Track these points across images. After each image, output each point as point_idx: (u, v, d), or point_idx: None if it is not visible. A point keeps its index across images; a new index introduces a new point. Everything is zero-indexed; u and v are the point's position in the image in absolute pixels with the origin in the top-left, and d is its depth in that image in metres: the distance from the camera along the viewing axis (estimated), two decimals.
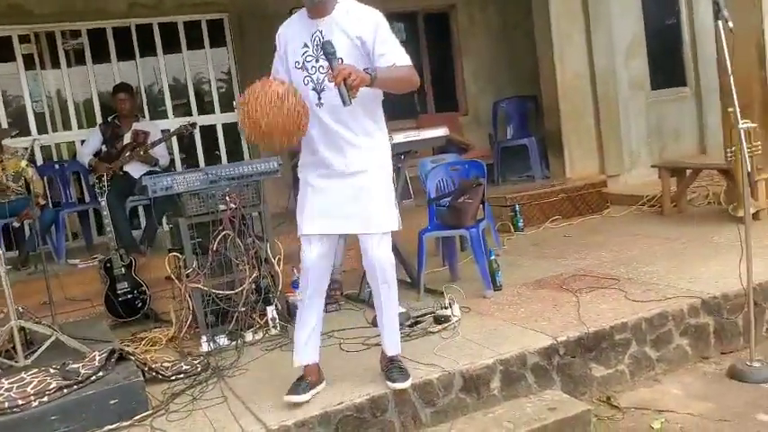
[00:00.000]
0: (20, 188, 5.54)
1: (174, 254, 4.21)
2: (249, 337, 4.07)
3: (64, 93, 7.15)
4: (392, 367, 3.17)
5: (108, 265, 4.85)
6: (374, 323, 3.93)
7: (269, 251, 4.20)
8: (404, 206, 6.37)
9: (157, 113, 7.41)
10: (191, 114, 7.42)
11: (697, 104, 8.19)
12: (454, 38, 8.82)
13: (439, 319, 3.86)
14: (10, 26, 6.70)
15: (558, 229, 6.37)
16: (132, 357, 3.44)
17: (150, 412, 3.15)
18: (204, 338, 4.01)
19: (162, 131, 6.23)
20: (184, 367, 3.67)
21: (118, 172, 5.95)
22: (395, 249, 4.68)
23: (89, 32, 7.05)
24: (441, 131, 4.63)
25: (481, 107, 8.64)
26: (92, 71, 7.14)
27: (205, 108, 7.56)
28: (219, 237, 4.07)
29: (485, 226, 4.73)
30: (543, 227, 6.46)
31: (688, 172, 6.17)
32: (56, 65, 7.06)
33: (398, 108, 7.97)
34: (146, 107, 7.32)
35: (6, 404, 2.97)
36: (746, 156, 3.41)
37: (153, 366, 3.57)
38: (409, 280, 4.74)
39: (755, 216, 5.13)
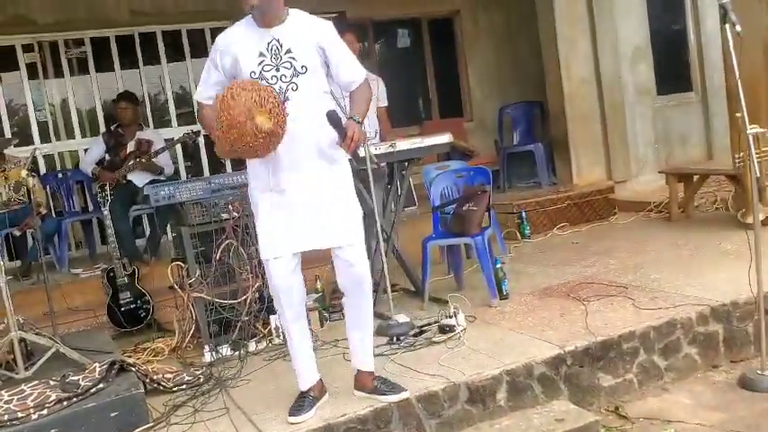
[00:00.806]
0: (21, 197, 5.53)
1: (177, 263, 4.18)
2: (252, 346, 4.05)
3: (67, 102, 7.14)
4: (382, 383, 3.12)
5: (111, 274, 4.84)
6: (378, 332, 3.91)
7: None
8: (408, 214, 6.36)
9: (161, 122, 7.40)
10: (195, 123, 7.39)
11: (704, 109, 8.13)
12: (458, 43, 8.79)
13: (444, 329, 3.81)
14: (13, 35, 6.69)
15: (565, 235, 6.32)
16: (133, 369, 3.41)
17: (151, 425, 3.11)
18: (207, 348, 3.98)
19: (166, 140, 6.20)
20: (186, 378, 3.64)
21: (121, 181, 5.92)
22: (399, 258, 4.68)
23: (92, 41, 7.05)
24: (444, 138, 4.58)
25: (486, 113, 8.60)
26: (95, 80, 7.13)
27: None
28: (222, 246, 4.04)
29: (490, 233, 4.68)
30: (550, 234, 6.42)
31: (695, 177, 6.11)
32: (59, 74, 7.06)
33: (403, 115, 7.96)
34: (150, 116, 7.30)
35: (6, 417, 2.94)
36: (755, 161, 3.36)
37: (154, 378, 3.53)
38: (413, 289, 4.71)
39: (764, 222, 5.03)
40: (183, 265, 4.12)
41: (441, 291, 4.63)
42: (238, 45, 2.92)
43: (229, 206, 4.06)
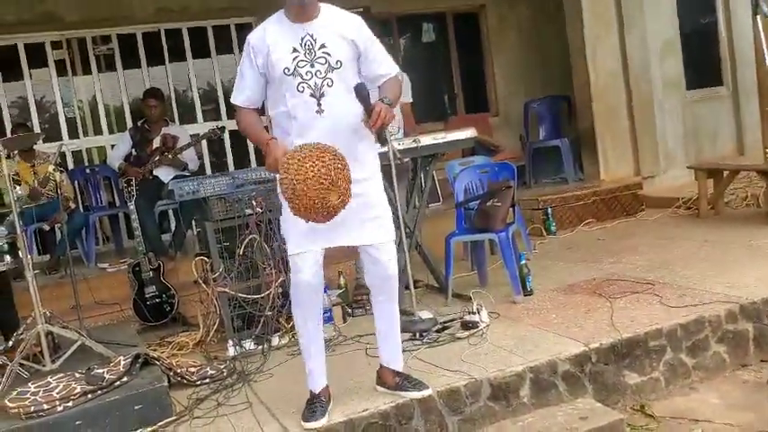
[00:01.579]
0: (50, 192, 5.60)
1: (202, 258, 4.21)
2: (275, 341, 4.06)
3: (95, 98, 7.22)
4: (405, 380, 3.10)
5: (137, 268, 4.88)
6: (401, 329, 3.89)
7: None
8: (432, 210, 6.33)
9: (187, 118, 7.45)
10: (220, 119, 7.45)
11: (734, 104, 8.00)
12: (484, 38, 8.73)
13: (467, 325, 3.79)
14: (43, 33, 6.80)
15: (591, 232, 6.26)
16: (157, 362, 3.43)
17: (174, 418, 3.13)
18: (230, 342, 4.00)
19: (191, 136, 6.24)
20: (210, 372, 3.66)
21: (147, 176, 5.97)
22: (423, 253, 4.66)
23: (119, 38, 7.12)
24: (468, 133, 4.54)
25: (512, 108, 8.53)
26: (122, 76, 7.21)
27: (235, 112, 7.58)
28: (246, 241, 4.06)
29: (515, 229, 4.64)
30: (576, 230, 6.36)
31: (725, 173, 6.00)
32: (87, 71, 7.15)
33: (427, 110, 7.93)
34: (175, 112, 7.36)
35: (33, 408, 2.98)
36: None
37: (178, 371, 3.56)
38: (437, 285, 4.68)
39: None
40: (207, 259, 4.15)
41: (464, 287, 4.60)
42: (271, 42, 2.85)
43: (253, 201, 4.07)
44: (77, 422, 2.97)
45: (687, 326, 3.57)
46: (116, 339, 3.93)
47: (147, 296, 4.84)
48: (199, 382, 3.55)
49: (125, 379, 3.20)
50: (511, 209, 4.57)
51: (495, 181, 4.76)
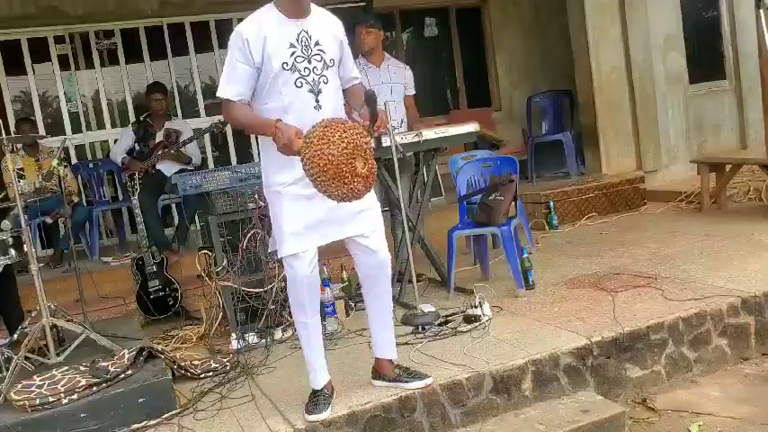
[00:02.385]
0: (54, 186, 5.62)
1: (205, 252, 4.22)
2: (278, 334, 4.07)
3: (98, 93, 7.23)
4: (404, 371, 3.12)
5: (140, 263, 4.91)
6: (404, 322, 3.91)
7: None
8: (434, 204, 6.34)
9: (190, 112, 7.45)
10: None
11: (737, 98, 7.97)
12: (486, 33, 8.72)
13: (469, 319, 3.80)
14: (45, 27, 6.79)
15: (593, 226, 6.26)
16: (161, 356, 3.45)
17: (178, 410, 3.15)
18: (234, 336, 4.02)
19: (194, 130, 6.25)
20: (213, 365, 3.67)
21: (150, 170, 5.98)
22: (425, 247, 4.68)
23: (122, 33, 7.12)
24: (471, 127, 4.55)
25: (515, 102, 8.54)
26: (125, 71, 7.22)
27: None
28: (249, 235, 4.07)
29: (517, 223, 4.65)
30: (578, 224, 6.36)
31: (728, 167, 6.00)
32: (90, 65, 7.16)
33: (430, 104, 7.94)
34: (178, 106, 7.36)
35: (38, 401, 3.00)
36: None
37: (182, 364, 3.57)
38: (439, 279, 4.70)
39: None
40: (210, 253, 4.16)
41: (466, 281, 4.61)
42: (267, 35, 2.80)
43: (256, 195, 4.08)
44: (82, 415, 2.99)
45: (689, 319, 3.58)
46: (120, 333, 3.94)
47: (150, 290, 4.86)
48: (202, 376, 3.57)
49: (129, 372, 3.22)
50: (513, 203, 4.58)
51: (497, 175, 4.76)
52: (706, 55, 7.93)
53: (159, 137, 6.14)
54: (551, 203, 6.33)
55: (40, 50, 6.85)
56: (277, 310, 4.10)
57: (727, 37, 8.00)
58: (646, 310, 3.69)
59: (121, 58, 7.17)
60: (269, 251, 3.49)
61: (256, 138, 3.37)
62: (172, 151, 6.01)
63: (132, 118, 7.01)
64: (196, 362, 3.73)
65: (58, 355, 3.50)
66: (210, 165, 7.32)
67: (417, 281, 4.17)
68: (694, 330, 3.59)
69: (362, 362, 3.41)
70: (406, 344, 3.57)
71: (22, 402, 2.99)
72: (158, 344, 4.05)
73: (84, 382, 3.11)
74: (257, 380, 3.48)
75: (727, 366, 3.64)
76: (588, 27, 6.94)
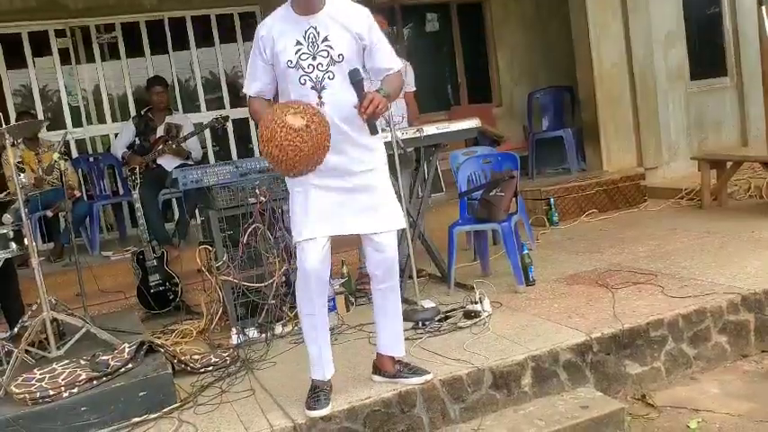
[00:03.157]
0: (54, 180, 5.61)
1: (205, 246, 4.22)
2: (279, 329, 4.07)
3: (98, 86, 7.22)
4: (405, 367, 3.13)
5: (140, 257, 4.91)
6: (404, 317, 3.90)
7: None
8: (435, 200, 6.34)
9: (191, 107, 7.45)
10: (224, 108, 7.45)
11: (739, 95, 7.97)
12: (488, 28, 8.70)
13: (469, 315, 3.81)
14: (46, 21, 6.78)
15: (593, 222, 6.26)
16: (161, 350, 3.45)
17: (178, 405, 3.16)
18: (234, 331, 4.02)
19: (194, 125, 6.25)
20: (213, 360, 3.68)
21: (151, 165, 5.98)
22: (426, 243, 4.68)
23: (123, 26, 7.11)
24: (472, 123, 4.55)
25: (516, 98, 8.53)
26: (126, 65, 7.21)
27: (238, 101, 7.58)
28: (250, 229, 4.07)
29: (517, 219, 4.65)
30: (579, 221, 6.36)
31: (729, 164, 6.00)
32: (90, 59, 7.15)
33: (431, 100, 7.93)
34: (179, 101, 7.36)
35: (38, 394, 3.00)
36: None
37: (182, 359, 3.58)
38: (439, 274, 4.70)
39: None
40: (210, 248, 4.16)
41: (467, 277, 4.61)
42: (277, 34, 2.88)
43: (257, 190, 4.08)
44: (83, 408, 3.00)
45: (688, 316, 3.59)
46: (120, 327, 3.94)
47: (150, 284, 4.86)
48: (202, 370, 3.58)
49: (130, 366, 3.22)
50: (513, 199, 4.58)
51: (497, 171, 4.76)
52: (707, 51, 7.92)
53: (160, 131, 6.14)
54: (552, 200, 6.33)
55: (40, 44, 6.84)
56: (277, 305, 4.10)
57: (728, 33, 7.99)
58: (646, 306, 3.70)
59: (122, 52, 7.16)
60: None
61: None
62: (173, 146, 6.01)
63: (133, 112, 7.00)
64: (196, 356, 3.73)
65: (58, 348, 3.51)
66: (211, 159, 7.31)
67: (418, 276, 4.18)
68: (694, 327, 3.59)
69: (362, 357, 3.42)
70: (407, 339, 3.56)
71: (22, 396, 3.00)
72: (159, 338, 4.06)
73: (84, 375, 3.11)
74: (257, 374, 3.49)
75: (726, 363, 3.65)
76: (589, 23, 6.93)
